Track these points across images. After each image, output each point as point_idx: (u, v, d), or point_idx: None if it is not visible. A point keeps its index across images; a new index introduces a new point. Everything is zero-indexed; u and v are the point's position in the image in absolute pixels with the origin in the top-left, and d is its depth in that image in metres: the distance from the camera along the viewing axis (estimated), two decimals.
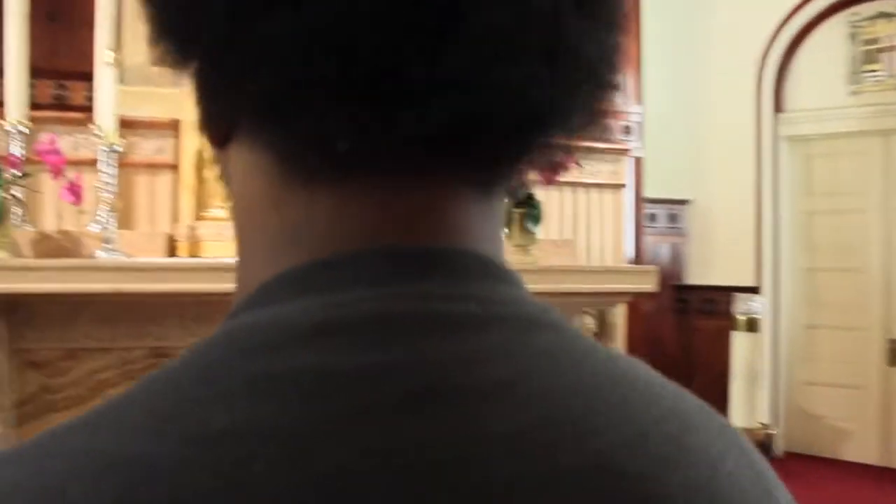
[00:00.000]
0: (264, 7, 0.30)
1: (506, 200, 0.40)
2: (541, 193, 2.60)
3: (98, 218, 2.71)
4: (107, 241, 2.63)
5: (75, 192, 2.63)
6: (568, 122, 0.35)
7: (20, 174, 2.52)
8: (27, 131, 2.74)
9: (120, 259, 2.54)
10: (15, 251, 2.61)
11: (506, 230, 2.65)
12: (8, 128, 2.75)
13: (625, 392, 0.33)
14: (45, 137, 2.58)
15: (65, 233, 2.79)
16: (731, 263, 4.88)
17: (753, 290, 4.55)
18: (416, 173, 0.34)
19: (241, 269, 0.39)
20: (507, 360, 0.31)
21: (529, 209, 2.55)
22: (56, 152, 2.58)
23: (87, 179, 2.76)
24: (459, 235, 0.35)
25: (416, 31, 0.30)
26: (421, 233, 0.34)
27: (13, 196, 2.48)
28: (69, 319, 2.57)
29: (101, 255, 2.59)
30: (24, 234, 2.69)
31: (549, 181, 2.65)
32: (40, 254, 2.69)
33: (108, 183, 2.67)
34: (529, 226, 2.55)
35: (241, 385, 0.29)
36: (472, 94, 0.31)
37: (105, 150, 2.65)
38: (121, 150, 2.69)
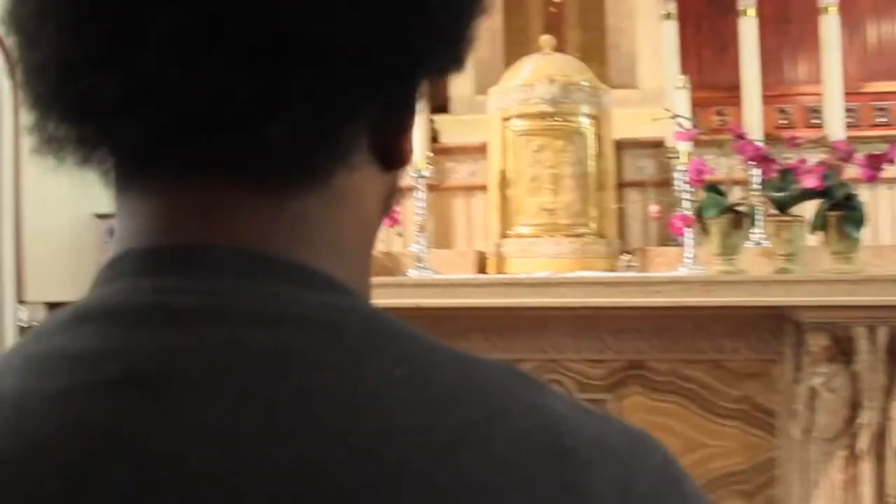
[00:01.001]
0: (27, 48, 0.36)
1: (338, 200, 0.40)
2: (865, 193, 2.24)
3: (415, 239, 2.98)
4: (419, 260, 2.89)
5: (392, 216, 2.93)
6: (293, 108, 0.35)
7: None
8: None
9: (422, 276, 2.77)
10: None
11: (821, 234, 2.33)
12: None
13: (339, 402, 0.32)
14: None
15: (387, 254, 3.13)
16: None
17: None
18: (177, 176, 0.36)
19: None
20: (219, 354, 0.32)
21: (849, 211, 2.20)
22: None
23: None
24: (224, 233, 0.36)
25: (100, 42, 0.33)
26: (182, 231, 0.36)
27: None
28: None
29: (412, 274, 2.85)
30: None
31: (872, 178, 2.25)
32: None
33: (419, 206, 2.94)
34: (850, 230, 2.20)
35: (16, 362, 0.35)
36: (176, 95, 0.33)
37: (416, 177, 2.92)
38: (428, 175, 2.93)
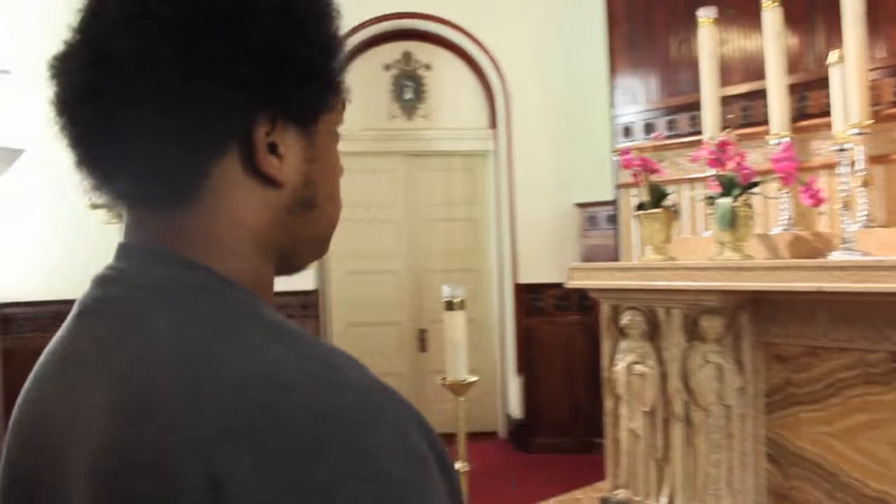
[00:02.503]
0: None
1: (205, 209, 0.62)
2: None
3: (844, 218, 2.73)
4: (845, 241, 2.64)
5: (813, 195, 2.74)
6: (135, 168, 0.59)
7: (753, 182, 2.79)
8: (787, 140, 2.98)
9: (846, 259, 2.52)
10: (765, 253, 2.92)
11: None
12: (773, 141, 3.06)
13: (160, 358, 0.54)
14: (780, 146, 2.79)
15: (817, 234, 2.90)
16: None
17: None
18: (126, 207, 0.64)
19: None
20: (111, 299, 0.60)
21: None
22: (789, 159, 2.75)
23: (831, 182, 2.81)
24: (139, 237, 0.62)
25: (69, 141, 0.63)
26: (130, 237, 0.63)
27: (747, 204, 2.77)
28: (808, 317, 2.70)
29: (835, 256, 2.62)
30: (781, 236, 2.95)
31: None
32: (795, 254, 2.89)
33: (842, 183, 2.68)
34: None
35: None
36: (105, 176, 0.62)
37: (839, 151, 2.67)
38: (851, 149, 2.66)
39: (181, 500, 0.48)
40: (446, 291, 2.58)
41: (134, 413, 0.52)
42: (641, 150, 3.43)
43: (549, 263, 5.05)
